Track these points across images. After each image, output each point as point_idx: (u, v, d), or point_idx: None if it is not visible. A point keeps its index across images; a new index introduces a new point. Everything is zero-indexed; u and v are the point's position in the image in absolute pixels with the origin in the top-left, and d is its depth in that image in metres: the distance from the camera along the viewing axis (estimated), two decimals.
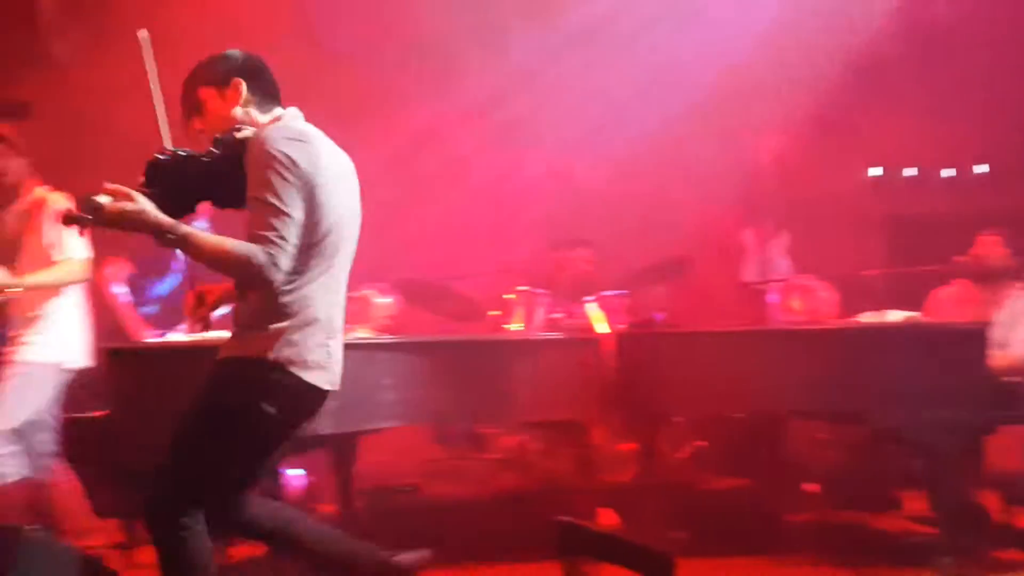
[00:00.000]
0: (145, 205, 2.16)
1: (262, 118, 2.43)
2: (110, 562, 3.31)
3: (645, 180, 5.73)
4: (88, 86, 5.10)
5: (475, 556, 3.65)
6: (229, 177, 2.26)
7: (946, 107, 5.65)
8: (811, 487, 4.42)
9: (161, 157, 2.29)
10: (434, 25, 5.59)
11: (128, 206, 2.15)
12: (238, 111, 2.42)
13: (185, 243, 2.19)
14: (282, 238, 2.19)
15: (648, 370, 3.74)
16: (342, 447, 3.79)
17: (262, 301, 2.28)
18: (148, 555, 2.44)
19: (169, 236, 2.18)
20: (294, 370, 2.28)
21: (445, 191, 5.78)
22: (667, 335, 4.04)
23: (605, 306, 4.36)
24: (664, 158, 5.63)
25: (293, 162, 2.24)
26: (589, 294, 4.46)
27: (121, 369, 3.07)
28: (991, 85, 5.53)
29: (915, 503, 4.12)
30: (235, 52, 2.49)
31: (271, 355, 2.27)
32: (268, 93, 2.48)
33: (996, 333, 3.73)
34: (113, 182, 2.20)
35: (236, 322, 2.37)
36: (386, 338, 3.57)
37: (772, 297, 4.48)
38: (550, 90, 5.70)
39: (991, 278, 4.15)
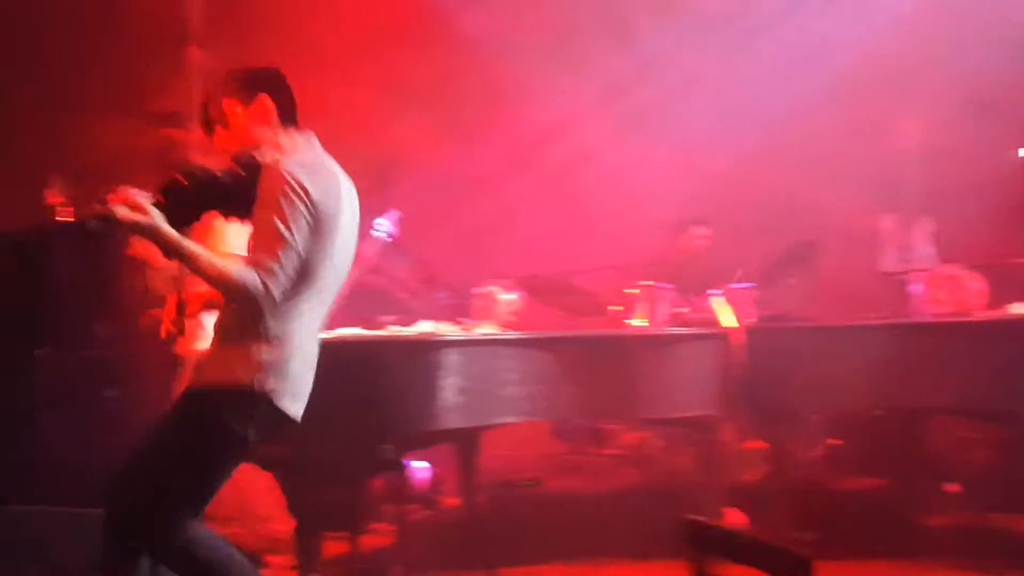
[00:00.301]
0: (157, 220, 2.21)
1: (282, 138, 2.42)
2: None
3: (779, 169, 5.53)
4: None
5: (599, 552, 3.67)
6: (244, 197, 2.28)
7: None
8: (952, 488, 4.20)
9: (183, 177, 2.31)
10: (560, 16, 5.60)
11: (141, 219, 2.20)
12: (262, 129, 2.41)
13: (188, 260, 2.24)
14: (281, 267, 2.22)
15: (780, 366, 3.65)
16: (466, 441, 3.88)
17: (252, 324, 2.28)
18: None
19: (174, 251, 2.23)
20: (276, 401, 2.29)
21: (571, 184, 5.78)
22: (801, 329, 3.92)
23: (733, 299, 4.27)
24: (799, 146, 5.41)
25: (307, 193, 2.25)
26: (714, 285, 4.38)
27: None
28: None
29: None
30: (262, 68, 2.49)
31: (257, 385, 2.27)
32: (287, 111, 2.45)
33: None
34: None
35: (219, 334, 2.36)
36: (511, 334, 3.62)
37: (915, 287, 4.26)
38: (679, 80, 5.59)
39: None
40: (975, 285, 3.93)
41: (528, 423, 4.84)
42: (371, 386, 3.06)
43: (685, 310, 4.32)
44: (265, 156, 2.33)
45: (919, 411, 3.86)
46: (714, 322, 4.19)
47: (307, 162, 2.33)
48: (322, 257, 2.31)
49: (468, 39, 5.53)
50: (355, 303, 4.35)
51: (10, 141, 4.94)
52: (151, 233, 2.21)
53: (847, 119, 5.21)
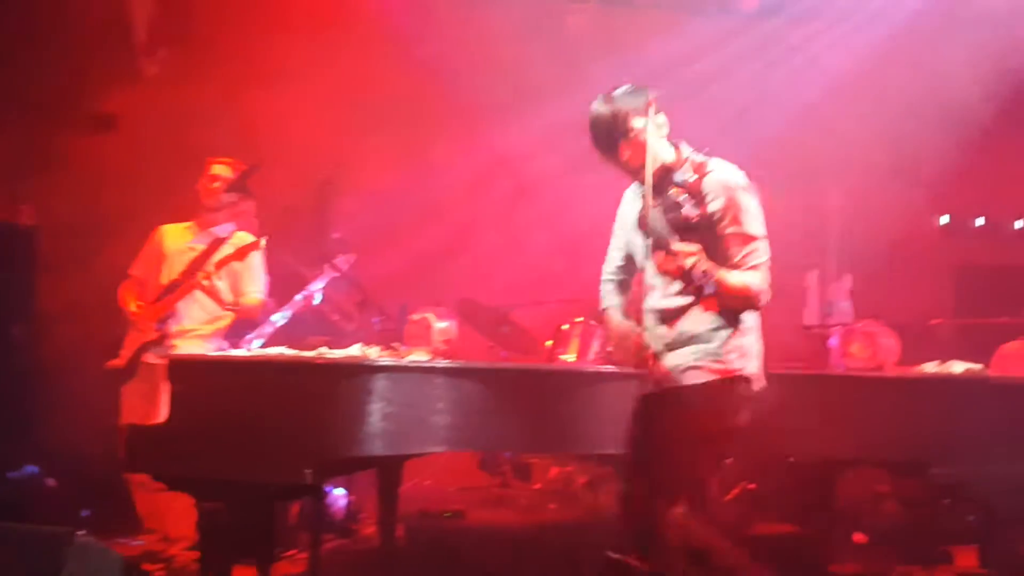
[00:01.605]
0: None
1: (683, 150, 2.79)
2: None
3: None
4: (172, 103, 5.32)
5: None
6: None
7: (1020, 156, 5.53)
8: (860, 538, 4.33)
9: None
10: (521, 49, 5.69)
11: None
12: (665, 144, 2.77)
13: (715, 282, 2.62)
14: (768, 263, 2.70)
15: None
16: (389, 469, 3.85)
17: (732, 321, 2.72)
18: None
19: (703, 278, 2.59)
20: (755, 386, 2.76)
21: (520, 216, 5.82)
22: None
23: None
24: None
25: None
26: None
27: (179, 378, 3.17)
28: None
29: (966, 559, 4.00)
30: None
31: (748, 370, 2.73)
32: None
33: None
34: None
35: (691, 336, 2.71)
36: (442, 362, 3.62)
37: (833, 341, 4.41)
38: None
39: None
40: (888, 342, 4.09)
41: (454, 454, 4.85)
42: (292, 408, 3.03)
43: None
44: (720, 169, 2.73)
45: (832, 461, 3.97)
46: None
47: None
48: None
49: (428, 64, 5.57)
50: (286, 323, 4.33)
51: None
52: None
53: (780, 172, 5.40)
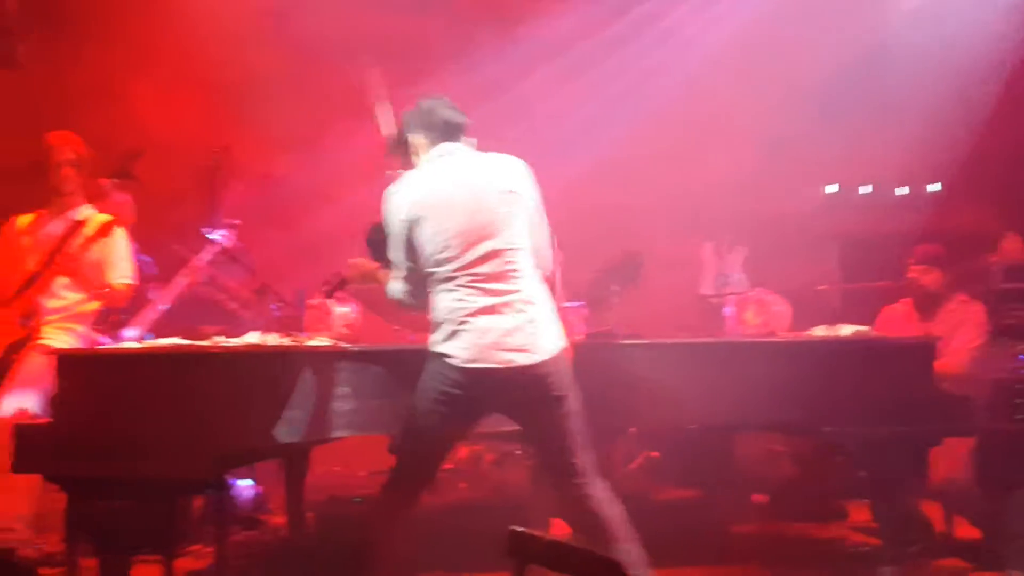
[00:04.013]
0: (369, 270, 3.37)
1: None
2: None
3: (609, 195, 5.78)
4: (46, 88, 5.08)
5: (426, 567, 3.67)
6: None
7: (902, 128, 5.81)
8: (760, 498, 4.50)
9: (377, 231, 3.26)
10: (407, 28, 5.63)
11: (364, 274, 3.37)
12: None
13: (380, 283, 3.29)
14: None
15: (604, 380, 3.77)
16: (295, 457, 3.78)
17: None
18: None
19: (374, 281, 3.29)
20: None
21: None
22: (622, 346, 4.08)
23: (563, 316, 4.39)
24: (629, 174, 5.70)
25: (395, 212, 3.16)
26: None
27: (68, 374, 3.03)
28: (945, 109, 5.73)
29: (860, 513, 4.21)
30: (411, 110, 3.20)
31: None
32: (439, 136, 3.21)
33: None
34: None
35: None
36: (344, 346, 3.56)
37: (728, 310, 4.54)
38: (517, 101, 5.75)
39: (928, 298, 4.36)
40: (780, 308, 4.25)
41: (362, 439, 4.78)
42: (189, 400, 2.94)
43: None
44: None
45: (730, 425, 4.10)
46: None
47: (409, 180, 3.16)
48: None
49: (307, 45, 5.46)
50: (183, 313, 4.18)
51: None
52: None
53: (674, 150, 5.54)
